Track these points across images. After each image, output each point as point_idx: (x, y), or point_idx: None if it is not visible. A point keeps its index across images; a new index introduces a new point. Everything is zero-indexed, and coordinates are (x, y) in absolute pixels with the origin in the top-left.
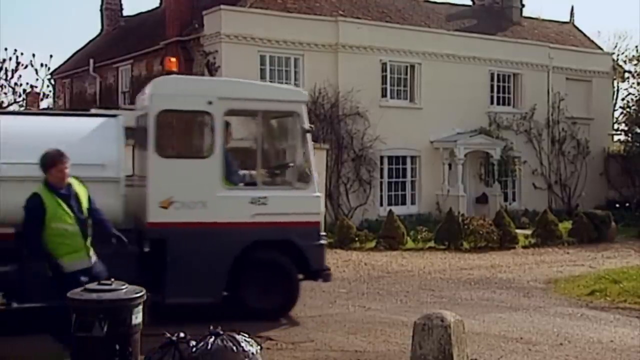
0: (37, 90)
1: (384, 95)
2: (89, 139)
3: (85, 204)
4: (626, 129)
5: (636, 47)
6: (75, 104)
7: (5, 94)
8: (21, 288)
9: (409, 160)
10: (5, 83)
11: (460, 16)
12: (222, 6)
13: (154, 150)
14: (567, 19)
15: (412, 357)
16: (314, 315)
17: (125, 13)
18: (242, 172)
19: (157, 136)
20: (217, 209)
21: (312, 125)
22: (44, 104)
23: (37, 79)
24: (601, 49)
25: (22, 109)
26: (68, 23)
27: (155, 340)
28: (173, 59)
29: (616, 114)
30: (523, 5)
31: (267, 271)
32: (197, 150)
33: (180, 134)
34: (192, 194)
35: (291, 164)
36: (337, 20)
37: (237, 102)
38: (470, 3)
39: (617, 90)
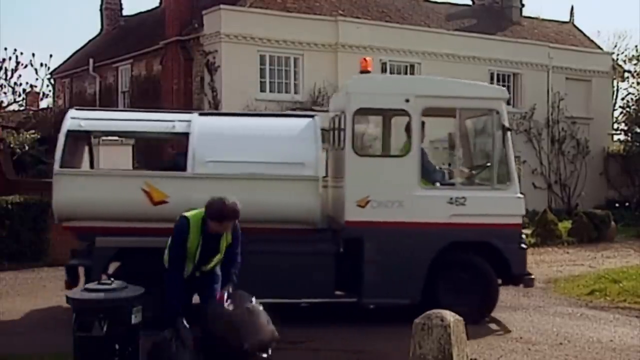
0: (37, 90)
1: None
2: (289, 139)
3: (223, 245)
4: (626, 128)
5: (636, 46)
6: (75, 103)
7: (5, 93)
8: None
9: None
10: (4, 83)
11: (460, 16)
12: (221, 6)
13: (351, 148)
14: (566, 18)
15: (412, 356)
16: (313, 314)
17: (125, 13)
18: (440, 169)
19: (355, 135)
20: (414, 209)
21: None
22: (43, 103)
23: (36, 79)
24: (601, 48)
25: (22, 108)
26: (68, 23)
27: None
28: (368, 58)
29: (616, 113)
30: (523, 5)
31: (464, 274)
32: (394, 149)
33: (378, 132)
34: (389, 193)
35: (489, 164)
36: (336, 19)
37: (435, 99)
38: (470, 3)
39: (617, 90)
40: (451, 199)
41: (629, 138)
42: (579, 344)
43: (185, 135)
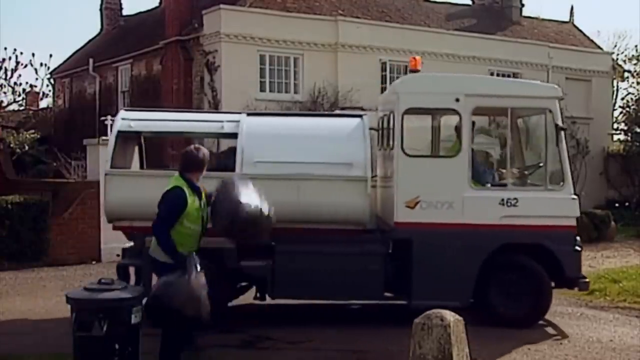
0: (37, 89)
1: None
2: (338, 139)
3: (204, 195)
4: (626, 128)
5: (636, 46)
6: (74, 103)
7: (5, 93)
8: (273, 283)
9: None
10: (4, 82)
11: (459, 16)
12: (221, 6)
13: (400, 149)
14: (566, 18)
15: (412, 356)
16: (313, 314)
17: (124, 12)
18: (490, 171)
19: (404, 135)
20: (464, 210)
21: None
22: (43, 103)
23: (36, 79)
24: (601, 48)
25: (21, 108)
26: (68, 22)
27: (155, 339)
28: (418, 57)
29: (616, 113)
30: (523, 5)
31: (516, 276)
32: (444, 149)
33: (427, 132)
34: (439, 193)
35: (542, 164)
36: (336, 19)
37: (486, 99)
38: (470, 2)
39: (617, 90)
40: (502, 200)
41: (629, 138)
42: (579, 344)
43: (234, 135)
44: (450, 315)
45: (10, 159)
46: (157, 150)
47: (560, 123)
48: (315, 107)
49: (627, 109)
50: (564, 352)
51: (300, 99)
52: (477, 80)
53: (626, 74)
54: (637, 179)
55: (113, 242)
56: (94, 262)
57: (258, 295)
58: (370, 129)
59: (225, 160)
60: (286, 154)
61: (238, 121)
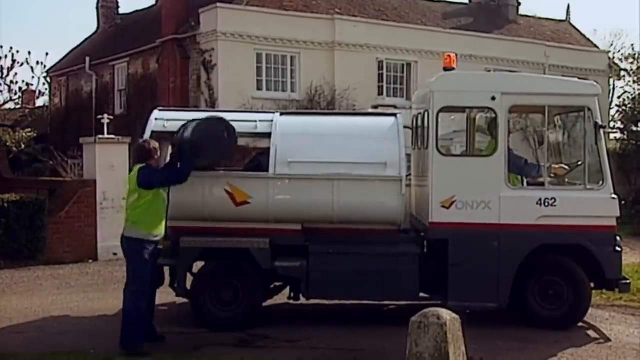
0: (33, 88)
1: (380, 93)
2: (372, 138)
3: None
4: (622, 127)
5: (632, 45)
6: (71, 102)
7: (1, 91)
8: (307, 284)
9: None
10: (0, 81)
11: (456, 14)
12: (218, 4)
13: (436, 148)
14: (563, 17)
15: (409, 355)
16: (311, 313)
17: (121, 11)
18: (535, 163)
19: (439, 134)
20: (501, 210)
21: None
22: (40, 102)
23: (33, 77)
24: (597, 47)
25: (18, 107)
26: (64, 21)
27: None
28: (452, 55)
29: (612, 112)
30: (519, 4)
31: (555, 277)
32: (480, 148)
33: (462, 131)
34: (475, 193)
35: (580, 163)
36: (333, 18)
37: (522, 97)
38: (467, 1)
39: (613, 89)
40: (540, 200)
41: (625, 136)
42: (576, 343)
43: (267, 135)
44: (446, 314)
45: (7, 158)
46: None
47: (599, 121)
48: (312, 105)
49: (624, 107)
50: (561, 350)
51: (297, 97)
52: (514, 78)
53: (622, 73)
54: (634, 178)
55: (109, 240)
56: (90, 261)
57: (292, 295)
58: (404, 127)
59: (260, 160)
60: (320, 153)
61: (271, 121)
